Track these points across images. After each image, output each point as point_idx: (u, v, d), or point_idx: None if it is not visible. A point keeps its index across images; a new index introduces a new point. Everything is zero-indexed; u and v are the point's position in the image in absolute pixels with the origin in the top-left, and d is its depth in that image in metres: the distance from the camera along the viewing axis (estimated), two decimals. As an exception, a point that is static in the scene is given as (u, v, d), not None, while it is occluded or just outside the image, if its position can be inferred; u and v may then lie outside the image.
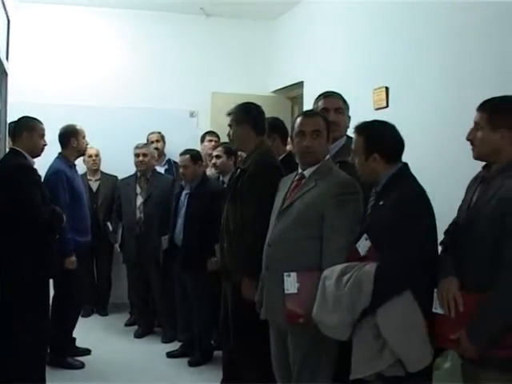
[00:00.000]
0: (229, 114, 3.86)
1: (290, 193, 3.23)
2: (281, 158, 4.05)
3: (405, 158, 2.89)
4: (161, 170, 6.36)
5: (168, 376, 4.82)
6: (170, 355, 5.23)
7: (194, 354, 5.10)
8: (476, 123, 2.59)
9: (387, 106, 4.86)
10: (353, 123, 3.08)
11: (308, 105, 4.87)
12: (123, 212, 5.87)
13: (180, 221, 5.17)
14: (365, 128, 2.91)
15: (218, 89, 7.06)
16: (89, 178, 6.54)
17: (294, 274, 2.96)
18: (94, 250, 6.00)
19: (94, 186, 6.55)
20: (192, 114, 7.19)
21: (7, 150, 4.76)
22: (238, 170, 3.84)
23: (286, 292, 2.96)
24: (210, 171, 5.60)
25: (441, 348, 2.68)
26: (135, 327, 5.96)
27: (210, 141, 6.11)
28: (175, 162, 6.28)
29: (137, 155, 5.77)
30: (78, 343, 5.15)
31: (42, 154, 4.40)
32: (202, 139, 6.29)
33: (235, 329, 3.75)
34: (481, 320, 2.40)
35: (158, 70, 7.10)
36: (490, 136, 2.53)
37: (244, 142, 3.81)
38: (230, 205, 3.76)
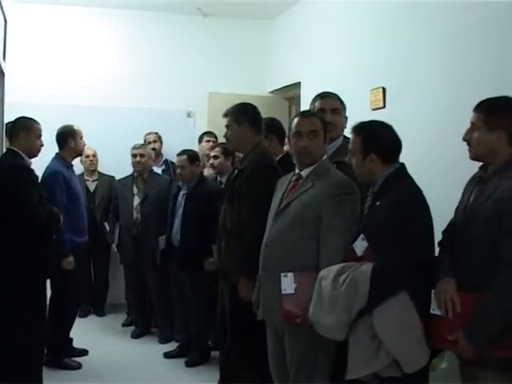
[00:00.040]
0: (225, 115, 3.84)
1: (287, 193, 3.23)
2: (278, 158, 4.05)
3: (402, 158, 2.89)
4: (158, 170, 6.36)
5: (165, 376, 4.82)
6: (167, 355, 5.23)
7: (192, 355, 5.10)
8: (472, 123, 2.60)
9: (384, 106, 4.86)
10: (350, 124, 3.09)
11: (305, 105, 4.87)
12: (120, 212, 5.87)
13: (177, 221, 5.17)
14: (362, 128, 2.91)
15: (215, 89, 7.06)
16: (86, 178, 6.54)
17: (290, 275, 2.97)
18: (91, 250, 6.00)
19: (92, 186, 6.55)
20: (189, 115, 7.19)
21: (4, 150, 4.75)
22: (236, 171, 3.84)
23: (282, 292, 2.97)
24: (207, 171, 5.61)
25: (437, 349, 2.68)
26: (132, 327, 5.96)
27: (208, 141, 6.12)
28: (172, 163, 6.29)
29: (134, 156, 5.76)
30: (75, 344, 5.14)
31: (39, 155, 4.40)
32: (200, 139, 6.29)
33: (232, 329, 3.75)
34: (478, 321, 2.41)
35: (155, 70, 7.09)
36: (487, 136, 2.53)
37: (243, 142, 3.80)
38: (228, 205, 3.76)
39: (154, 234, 5.52)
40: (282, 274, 2.97)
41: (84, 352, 5.17)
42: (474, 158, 2.63)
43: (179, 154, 5.20)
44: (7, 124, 4.79)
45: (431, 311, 2.58)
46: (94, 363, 5.02)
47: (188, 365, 5.03)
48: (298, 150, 3.18)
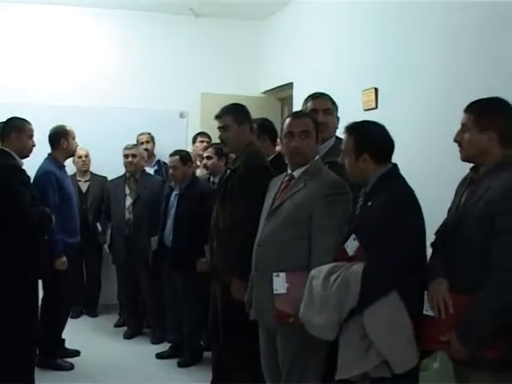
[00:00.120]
0: (220, 116, 3.80)
1: (279, 193, 3.24)
2: (270, 158, 4.06)
3: (394, 159, 2.89)
4: (150, 170, 6.36)
5: (157, 377, 4.82)
6: (159, 356, 5.23)
7: (184, 355, 5.10)
8: (463, 125, 2.60)
9: (376, 107, 4.87)
10: (342, 124, 3.09)
11: (298, 106, 4.87)
12: (112, 213, 5.86)
13: (170, 221, 5.17)
14: (355, 128, 2.91)
15: (208, 89, 7.05)
16: (78, 178, 6.53)
17: (283, 274, 2.97)
18: (84, 250, 6.00)
19: (84, 186, 6.54)
20: (182, 115, 7.19)
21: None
22: (228, 171, 3.85)
23: (275, 292, 2.97)
24: (200, 172, 5.61)
25: (428, 350, 2.69)
26: (125, 328, 5.96)
27: (202, 142, 6.11)
28: (165, 163, 6.27)
29: (126, 156, 5.76)
30: (68, 344, 5.13)
31: (31, 155, 4.39)
32: (194, 140, 6.29)
33: (225, 329, 3.75)
34: (470, 321, 2.41)
35: (147, 70, 7.08)
36: (477, 137, 2.54)
37: (242, 143, 3.78)
38: (220, 205, 3.76)
39: (146, 234, 5.51)
40: (274, 274, 2.97)
41: (76, 353, 5.16)
42: (465, 159, 2.64)
43: (172, 155, 5.20)
44: (-1, 124, 4.78)
45: (424, 312, 2.58)
46: (86, 364, 5.01)
47: (180, 365, 5.03)
48: (289, 151, 3.18)
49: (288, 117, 3.30)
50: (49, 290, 4.78)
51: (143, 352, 5.37)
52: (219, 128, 3.82)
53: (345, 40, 5.50)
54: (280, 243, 3.09)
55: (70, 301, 5.15)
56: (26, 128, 4.32)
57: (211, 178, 5.32)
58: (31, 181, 4.38)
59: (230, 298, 3.53)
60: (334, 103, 3.70)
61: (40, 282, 4.47)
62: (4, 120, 4.41)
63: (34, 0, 6.65)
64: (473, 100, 2.62)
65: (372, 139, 2.85)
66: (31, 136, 4.35)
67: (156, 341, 5.59)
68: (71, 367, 4.91)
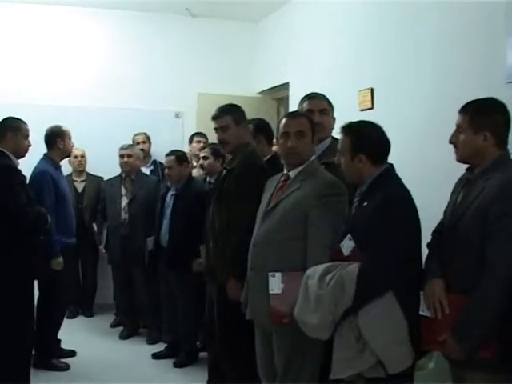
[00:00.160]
0: (218, 116, 3.79)
1: (275, 193, 3.24)
2: (266, 158, 4.05)
3: (390, 159, 2.89)
4: (146, 170, 6.36)
5: (153, 377, 4.81)
6: (155, 356, 5.22)
7: (180, 355, 5.10)
8: (458, 126, 2.61)
9: (372, 107, 4.88)
10: (338, 125, 3.09)
11: (294, 106, 4.88)
12: (108, 213, 5.86)
13: (165, 222, 5.17)
14: (351, 128, 2.90)
15: (204, 90, 7.05)
16: (74, 178, 6.52)
17: (278, 274, 2.97)
18: (80, 250, 5.98)
19: (80, 186, 6.53)
20: (177, 115, 7.18)
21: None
22: (224, 171, 3.84)
23: (270, 292, 2.97)
24: (197, 172, 5.61)
25: (423, 350, 2.69)
26: (120, 328, 5.95)
27: (199, 142, 6.11)
28: (161, 163, 6.28)
29: (121, 156, 5.75)
30: (63, 345, 5.13)
31: (27, 155, 4.39)
32: (191, 140, 6.29)
33: (221, 329, 3.75)
34: (466, 322, 2.42)
35: (143, 70, 7.08)
36: (472, 138, 2.54)
37: (240, 143, 3.77)
38: (216, 205, 3.76)
39: (142, 234, 5.51)
40: (270, 274, 2.97)
41: (72, 353, 5.16)
42: (460, 160, 2.65)
43: (167, 155, 5.19)
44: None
45: (420, 312, 2.58)
46: (82, 364, 5.01)
47: (176, 365, 5.02)
48: (285, 151, 3.18)
49: (284, 117, 3.30)
50: (44, 290, 4.78)
51: (139, 352, 5.36)
52: (217, 129, 3.80)
53: (341, 40, 5.50)
54: (276, 243, 3.08)
55: (65, 301, 5.15)
56: (21, 128, 4.32)
57: (207, 179, 5.31)
58: (27, 181, 4.37)
59: (226, 298, 3.53)
60: (329, 103, 3.70)
61: (36, 282, 4.46)
62: (0, 120, 4.41)
63: (31, 0, 6.64)
64: (469, 100, 2.63)
65: (368, 139, 2.85)
66: (27, 136, 4.35)
67: (152, 341, 5.58)
68: (67, 367, 4.90)
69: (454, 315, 2.45)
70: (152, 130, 6.71)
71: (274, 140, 3.99)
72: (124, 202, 5.76)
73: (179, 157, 5.12)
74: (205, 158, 5.16)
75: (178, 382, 4.74)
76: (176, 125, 7.13)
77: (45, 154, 4.91)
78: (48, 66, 6.80)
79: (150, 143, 6.67)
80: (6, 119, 4.34)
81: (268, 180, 3.41)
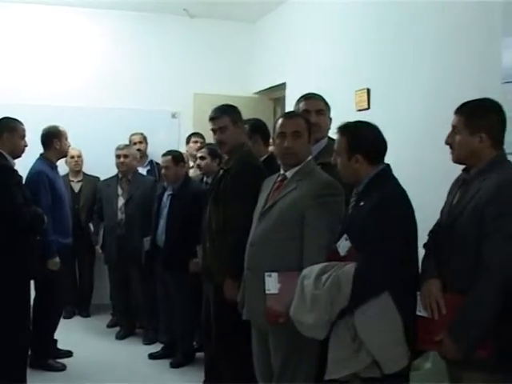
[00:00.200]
0: (215, 117, 3.77)
1: (272, 194, 3.24)
2: (263, 159, 4.05)
3: (386, 159, 2.89)
4: (143, 171, 6.36)
5: (150, 377, 4.81)
6: (151, 357, 5.22)
7: (176, 356, 5.10)
8: (454, 126, 2.61)
9: (369, 107, 4.89)
10: (334, 125, 3.09)
11: (290, 106, 4.87)
12: (104, 213, 5.85)
13: (162, 222, 5.17)
14: (348, 128, 2.90)
15: (201, 90, 7.06)
16: (71, 179, 6.52)
17: (275, 274, 2.97)
18: (76, 251, 5.97)
19: (76, 187, 6.53)
20: (174, 115, 7.18)
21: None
22: (221, 171, 3.84)
23: (267, 292, 2.97)
24: (194, 172, 5.61)
25: (419, 350, 2.69)
26: (117, 328, 5.95)
27: (196, 142, 6.11)
28: (157, 163, 6.27)
29: (118, 156, 5.75)
30: (60, 345, 5.12)
31: (23, 155, 4.38)
32: (188, 140, 6.29)
33: (217, 329, 3.75)
34: (462, 322, 2.42)
35: (140, 71, 7.08)
36: (468, 139, 2.54)
37: (238, 143, 3.77)
38: (213, 205, 3.76)
39: (139, 234, 5.51)
40: (267, 274, 2.97)
41: (68, 353, 5.15)
42: (456, 160, 2.65)
43: (164, 155, 5.19)
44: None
45: (417, 312, 2.58)
46: (78, 364, 5.00)
47: (173, 366, 5.02)
48: (281, 151, 3.18)
49: (280, 117, 3.31)
50: (41, 290, 4.77)
51: (135, 352, 5.36)
52: (214, 130, 3.78)
53: (337, 40, 5.51)
54: (272, 243, 3.08)
55: (62, 301, 5.14)
56: (18, 128, 4.31)
57: (204, 179, 5.31)
58: (23, 181, 4.36)
59: (223, 298, 3.53)
60: (326, 104, 3.70)
61: (32, 282, 4.46)
62: (-5, 120, 4.41)
63: (28, 0, 6.63)
64: (465, 101, 2.63)
65: (365, 139, 2.84)
66: (23, 136, 4.35)
67: (148, 341, 5.58)
68: (63, 368, 4.89)
69: (451, 315, 2.45)
70: (148, 130, 6.70)
71: (271, 140, 3.98)
72: (120, 202, 5.76)
73: (176, 157, 5.12)
74: (202, 158, 5.16)
75: (174, 382, 4.74)
76: (172, 125, 7.14)
77: (41, 154, 4.90)
78: (44, 66, 6.80)
79: (146, 143, 6.66)
80: (2, 119, 4.33)
81: (265, 180, 3.41)
